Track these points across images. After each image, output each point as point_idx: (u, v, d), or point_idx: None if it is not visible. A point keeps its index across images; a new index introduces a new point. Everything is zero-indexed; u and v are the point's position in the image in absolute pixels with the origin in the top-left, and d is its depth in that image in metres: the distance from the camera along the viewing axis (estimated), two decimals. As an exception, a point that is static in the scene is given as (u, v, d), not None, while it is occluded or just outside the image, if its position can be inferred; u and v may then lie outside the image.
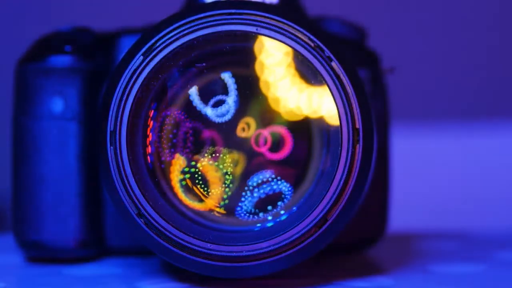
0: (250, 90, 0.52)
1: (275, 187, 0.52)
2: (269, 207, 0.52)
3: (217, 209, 0.52)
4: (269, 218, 0.52)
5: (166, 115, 0.52)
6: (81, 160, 0.58)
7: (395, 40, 1.17)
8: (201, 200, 0.52)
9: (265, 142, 0.52)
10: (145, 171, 0.51)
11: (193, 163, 0.52)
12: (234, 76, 0.52)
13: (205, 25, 0.50)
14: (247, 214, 0.52)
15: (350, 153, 0.50)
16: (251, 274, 0.50)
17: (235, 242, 0.50)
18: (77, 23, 0.62)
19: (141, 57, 0.50)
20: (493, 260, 0.62)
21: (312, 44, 0.50)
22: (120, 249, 0.60)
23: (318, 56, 0.50)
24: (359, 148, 0.50)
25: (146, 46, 0.50)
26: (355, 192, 0.50)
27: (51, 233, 0.58)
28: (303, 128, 0.52)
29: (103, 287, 0.53)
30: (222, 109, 0.52)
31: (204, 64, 0.52)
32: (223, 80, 0.52)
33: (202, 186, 0.52)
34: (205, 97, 0.52)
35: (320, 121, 0.51)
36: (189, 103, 0.52)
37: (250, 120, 0.52)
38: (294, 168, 0.52)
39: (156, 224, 0.50)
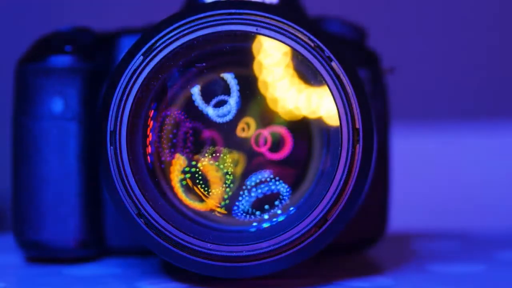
0: (250, 90, 0.52)
1: (273, 187, 0.52)
2: (266, 207, 0.52)
3: (218, 209, 0.52)
4: (266, 217, 0.52)
5: (166, 115, 0.52)
6: (81, 160, 0.58)
7: (395, 40, 1.17)
8: (201, 200, 0.52)
9: (265, 142, 0.52)
10: (145, 171, 0.51)
11: (193, 162, 0.52)
12: (236, 77, 0.52)
13: (205, 25, 0.50)
14: (244, 214, 0.52)
15: (350, 153, 0.50)
16: (251, 274, 0.50)
17: (235, 242, 0.50)
18: (77, 23, 0.62)
19: (141, 57, 0.50)
20: (493, 260, 0.62)
21: (312, 44, 0.50)
22: (120, 249, 0.60)
23: (318, 56, 0.50)
24: (359, 148, 0.50)
25: (146, 46, 0.50)
26: (355, 192, 0.50)
27: (51, 233, 0.58)
28: (303, 128, 0.52)
29: (103, 287, 0.53)
30: (223, 109, 0.52)
31: (204, 64, 0.52)
32: (225, 81, 0.52)
33: (203, 186, 0.52)
34: (207, 97, 0.52)
35: (319, 121, 0.51)
36: (189, 103, 0.52)
37: (250, 120, 0.52)
38: (294, 168, 0.52)
39: (156, 224, 0.50)
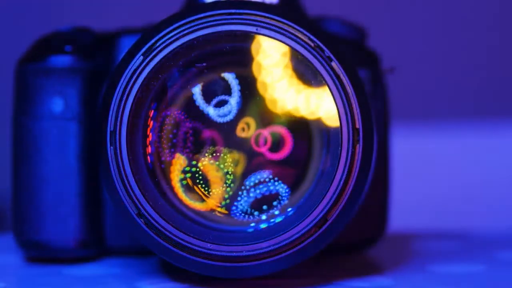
0: (250, 90, 0.52)
1: (271, 188, 0.52)
2: (265, 208, 0.52)
3: (219, 209, 0.52)
4: (263, 218, 0.52)
5: (166, 115, 0.52)
6: (81, 160, 0.58)
7: (395, 40, 1.17)
8: (202, 200, 0.52)
9: (265, 142, 0.52)
10: (145, 171, 0.51)
11: (194, 162, 0.52)
12: (238, 77, 0.52)
13: (205, 25, 0.50)
14: (243, 214, 0.52)
15: (350, 153, 0.50)
16: (251, 274, 0.50)
17: (235, 242, 0.50)
18: (77, 23, 0.62)
19: (141, 57, 0.50)
20: (493, 260, 0.62)
21: (312, 44, 0.50)
22: (120, 249, 0.60)
23: (318, 56, 0.50)
24: (359, 148, 0.50)
25: (146, 46, 0.50)
26: (355, 192, 0.50)
27: (51, 233, 0.58)
28: (303, 128, 0.52)
29: (103, 287, 0.53)
30: (224, 109, 0.52)
31: (204, 64, 0.52)
32: (226, 81, 0.52)
33: (203, 185, 0.52)
34: (208, 96, 0.52)
35: (319, 122, 0.51)
36: (189, 103, 0.52)
37: (250, 120, 0.52)
38: (294, 168, 0.52)
39: (156, 224, 0.50)
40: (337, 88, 0.50)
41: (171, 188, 0.52)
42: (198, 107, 0.52)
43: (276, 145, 0.52)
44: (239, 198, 0.52)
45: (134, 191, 0.50)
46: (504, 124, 1.16)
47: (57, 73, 0.58)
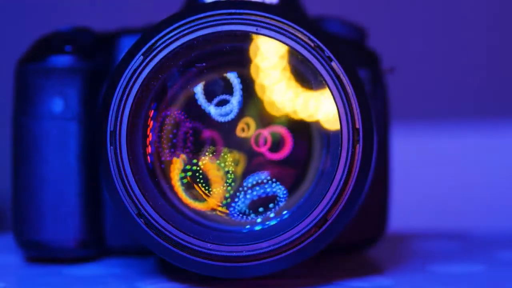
0: (251, 90, 0.52)
1: (268, 189, 0.52)
2: (261, 209, 0.52)
3: (219, 208, 0.52)
4: (258, 220, 0.52)
5: (166, 115, 0.52)
6: (81, 160, 0.58)
7: (395, 40, 1.17)
8: (202, 200, 0.52)
9: (265, 142, 0.52)
10: (145, 171, 0.51)
11: (194, 161, 0.52)
12: (239, 76, 0.52)
13: (205, 25, 0.50)
14: (240, 215, 0.52)
15: (350, 153, 0.50)
16: (251, 274, 0.50)
17: (235, 242, 0.50)
18: (77, 23, 0.62)
19: (141, 57, 0.50)
20: (493, 260, 0.62)
21: (312, 44, 0.50)
22: (120, 249, 0.60)
23: (318, 56, 0.50)
24: (359, 148, 0.50)
25: (146, 46, 0.50)
26: (355, 192, 0.50)
27: (51, 233, 0.58)
28: (303, 128, 0.52)
29: (103, 287, 0.53)
30: (225, 108, 0.52)
31: (204, 64, 0.52)
32: (228, 80, 0.52)
33: (204, 185, 0.52)
34: (209, 96, 0.52)
35: (317, 124, 0.51)
36: (189, 103, 0.52)
37: (250, 120, 0.52)
38: (294, 168, 0.52)
39: (156, 224, 0.50)
40: (337, 88, 0.50)
41: (171, 188, 0.52)
42: (199, 106, 0.52)
43: (276, 145, 0.52)
44: (236, 199, 0.52)
45: (134, 191, 0.50)
46: (504, 124, 1.16)
47: (57, 73, 0.58)
